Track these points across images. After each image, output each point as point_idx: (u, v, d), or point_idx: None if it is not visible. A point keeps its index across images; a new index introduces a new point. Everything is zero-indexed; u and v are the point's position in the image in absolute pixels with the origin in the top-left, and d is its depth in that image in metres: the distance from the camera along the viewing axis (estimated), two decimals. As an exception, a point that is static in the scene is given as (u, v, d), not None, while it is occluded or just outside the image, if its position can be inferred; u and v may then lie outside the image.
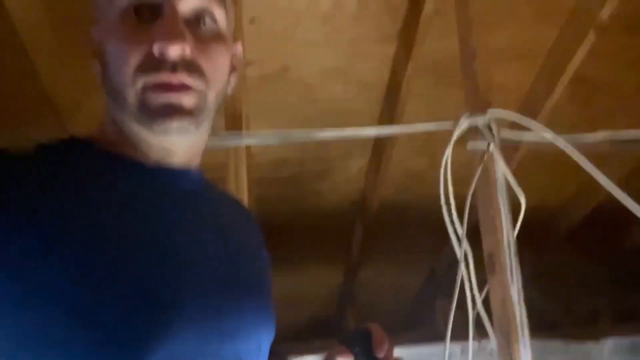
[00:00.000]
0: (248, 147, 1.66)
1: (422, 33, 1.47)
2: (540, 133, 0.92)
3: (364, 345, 0.56)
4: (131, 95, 0.50)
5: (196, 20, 0.52)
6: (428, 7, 1.40)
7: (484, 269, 1.02)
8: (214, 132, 1.12)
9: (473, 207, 1.06)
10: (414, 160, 2.04)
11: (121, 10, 0.51)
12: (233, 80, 0.59)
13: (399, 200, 2.19)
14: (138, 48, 0.49)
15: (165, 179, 0.55)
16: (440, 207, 1.11)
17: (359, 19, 1.50)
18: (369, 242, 2.27)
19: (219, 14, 0.53)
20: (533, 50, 1.59)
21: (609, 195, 0.92)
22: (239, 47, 0.59)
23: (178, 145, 0.55)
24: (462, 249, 0.91)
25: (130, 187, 0.53)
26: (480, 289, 1.00)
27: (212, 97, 0.53)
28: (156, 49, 0.49)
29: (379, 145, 1.89)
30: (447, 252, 2.38)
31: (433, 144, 1.95)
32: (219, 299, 0.52)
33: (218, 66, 0.53)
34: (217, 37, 0.53)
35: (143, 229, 0.50)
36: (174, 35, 0.48)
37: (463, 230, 0.93)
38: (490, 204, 0.92)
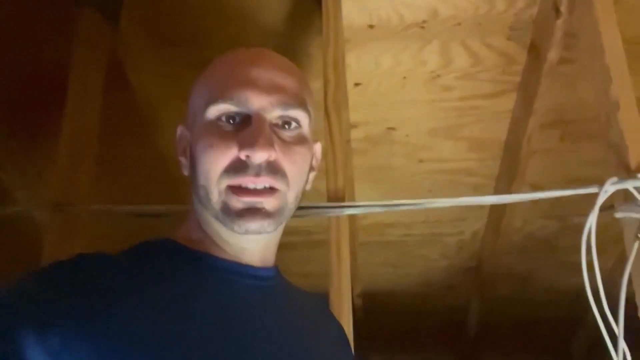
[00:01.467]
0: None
1: (544, 84, 1.32)
2: None
3: None
4: (215, 194, 0.53)
5: (282, 123, 0.55)
6: (551, 56, 1.26)
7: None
8: (314, 201, 1.08)
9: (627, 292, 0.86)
10: (539, 224, 1.81)
11: (212, 119, 0.55)
12: (311, 178, 0.61)
13: (522, 270, 1.94)
14: (226, 152, 0.53)
15: (241, 275, 0.56)
16: (574, 279, 0.92)
17: (470, 75, 1.40)
18: (486, 318, 2.03)
19: (303, 118, 0.56)
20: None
21: None
22: (318, 148, 0.62)
23: (255, 245, 0.57)
24: (619, 352, 0.71)
25: (205, 284, 0.53)
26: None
27: (292, 198, 0.55)
28: (243, 154, 0.52)
29: (497, 207, 1.70)
30: (583, 336, 2.03)
31: (562, 204, 1.72)
32: None
33: (299, 168, 0.55)
34: (300, 139, 0.56)
35: (217, 327, 0.50)
36: (261, 143, 0.51)
37: (620, 327, 0.73)
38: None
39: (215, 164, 0.53)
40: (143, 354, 0.44)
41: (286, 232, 0.62)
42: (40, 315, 0.44)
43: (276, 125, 0.54)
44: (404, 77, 1.40)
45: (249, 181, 0.51)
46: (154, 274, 0.51)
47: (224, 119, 0.54)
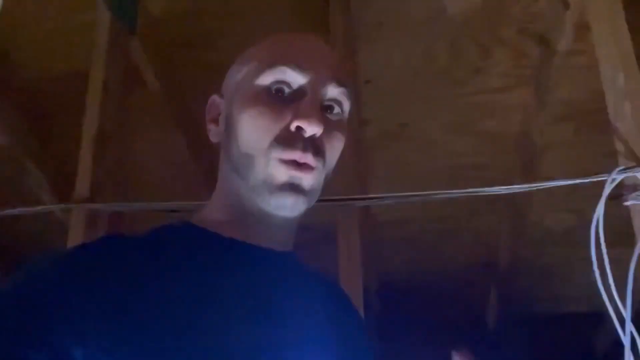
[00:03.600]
0: (367, 207, 1.62)
1: (556, 77, 1.32)
2: None
3: None
4: (261, 163, 0.53)
5: (328, 106, 0.55)
6: (562, 48, 1.26)
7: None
8: (328, 194, 1.10)
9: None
10: (555, 218, 1.80)
11: (264, 85, 0.54)
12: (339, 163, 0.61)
13: (541, 265, 1.92)
14: (278, 121, 0.53)
15: (264, 260, 0.55)
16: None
17: (481, 69, 1.40)
18: (506, 312, 2.02)
19: (347, 105, 0.56)
20: None
21: None
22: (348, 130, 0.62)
23: (281, 224, 0.56)
24: (627, 334, 0.72)
25: (230, 268, 0.53)
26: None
27: (322, 180, 0.55)
28: (294, 125, 0.52)
29: (513, 201, 1.70)
30: (609, 329, 2.00)
31: (578, 197, 1.70)
32: None
33: (336, 152, 0.56)
34: (342, 125, 0.56)
35: (245, 312, 0.50)
36: (315, 118, 0.52)
37: (627, 310, 0.74)
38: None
39: (265, 132, 0.52)
40: (174, 339, 0.45)
41: (301, 228, 0.62)
42: (70, 305, 0.45)
43: (323, 106, 0.54)
44: (415, 73, 1.42)
45: (296, 155, 0.51)
46: (177, 258, 0.51)
47: (274, 88, 0.53)
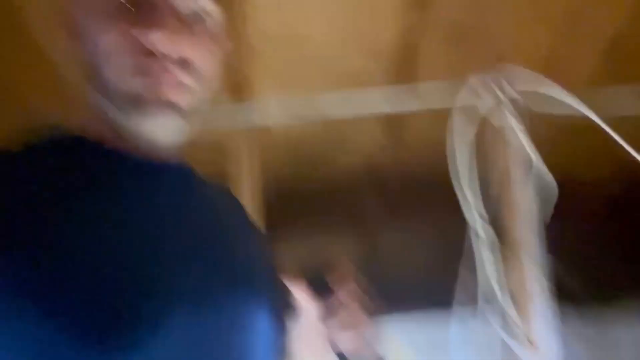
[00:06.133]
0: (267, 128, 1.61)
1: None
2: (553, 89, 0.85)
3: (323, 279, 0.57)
4: (123, 89, 0.50)
5: (192, 15, 0.52)
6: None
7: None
8: (215, 102, 1.09)
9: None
10: (433, 131, 1.98)
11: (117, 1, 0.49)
12: (221, 73, 0.59)
13: (419, 172, 2.14)
14: (134, 44, 0.49)
15: (154, 171, 0.54)
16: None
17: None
18: (387, 213, 2.25)
19: (213, 10, 0.53)
20: (554, 9, 1.47)
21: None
22: (229, 42, 0.59)
23: (164, 138, 0.53)
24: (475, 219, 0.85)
25: (119, 181, 0.52)
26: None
27: (202, 94, 0.53)
28: (152, 46, 0.49)
29: (395, 116, 1.83)
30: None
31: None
32: (215, 295, 0.51)
33: (210, 63, 0.53)
34: (211, 33, 0.53)
35: (132, 225, 0.49)
36: (171, 35, 0.49)
37: (477, 200, 0.87)
38: (505, 171, 0.85)
39: (123, 58, 0.50)
40: (63, 255, 0.44)
41: (197, 148, 0.60)
42: None
43: (185, 16, 0.51)
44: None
45: (159, 75, 0.50)
46: (75, 179, 0.48)
47: (128, 4, 0.49)
